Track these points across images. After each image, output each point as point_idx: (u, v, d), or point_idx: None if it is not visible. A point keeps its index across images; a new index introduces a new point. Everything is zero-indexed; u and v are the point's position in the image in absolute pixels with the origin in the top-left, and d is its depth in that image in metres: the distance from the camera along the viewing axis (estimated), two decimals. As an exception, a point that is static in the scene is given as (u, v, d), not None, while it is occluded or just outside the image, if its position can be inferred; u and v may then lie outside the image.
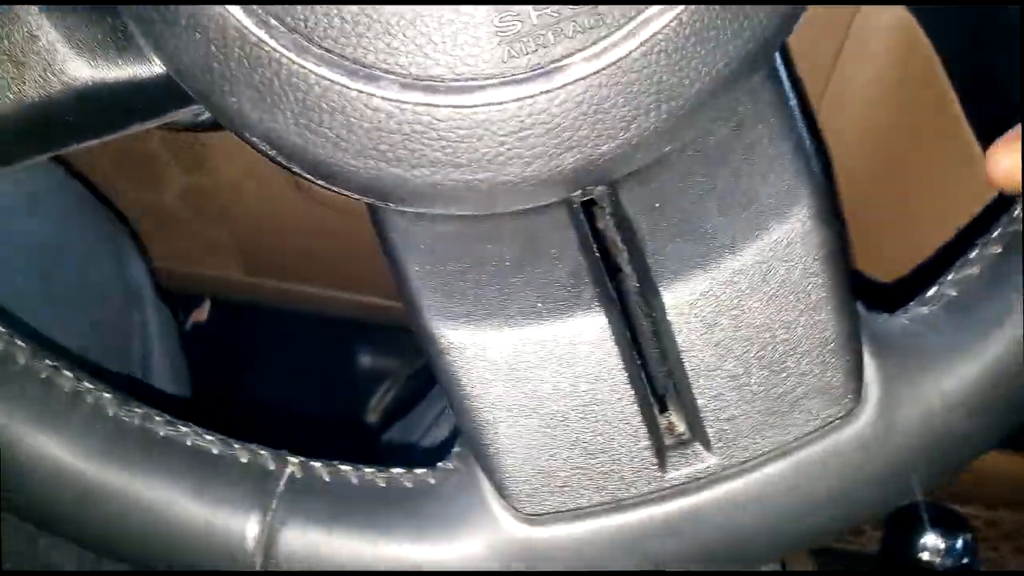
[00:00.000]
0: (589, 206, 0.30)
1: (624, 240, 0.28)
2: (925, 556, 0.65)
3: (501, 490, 0.29)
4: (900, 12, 0.49)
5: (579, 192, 0.28)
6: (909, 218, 0.53)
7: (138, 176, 0.62)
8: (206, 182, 0.64)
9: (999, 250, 0.29)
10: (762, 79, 0.28)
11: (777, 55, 0.29)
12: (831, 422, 0.28)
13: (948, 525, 0.66)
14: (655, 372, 0.29)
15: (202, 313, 0.82)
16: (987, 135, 0.49)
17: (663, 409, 0.30)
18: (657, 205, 0.28)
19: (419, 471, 0.31)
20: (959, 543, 0.65)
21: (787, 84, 0.29)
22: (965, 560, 0.65)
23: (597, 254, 0.28)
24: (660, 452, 0.28)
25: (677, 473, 0.29)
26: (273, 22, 0.24)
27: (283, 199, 0.60)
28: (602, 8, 0.24)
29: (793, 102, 0.28)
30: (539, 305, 0.28)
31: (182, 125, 0.33)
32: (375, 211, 0.29)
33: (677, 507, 0.28)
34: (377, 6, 0.24)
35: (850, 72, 0.51)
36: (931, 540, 0.65)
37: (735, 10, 0.25)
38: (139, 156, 0.61)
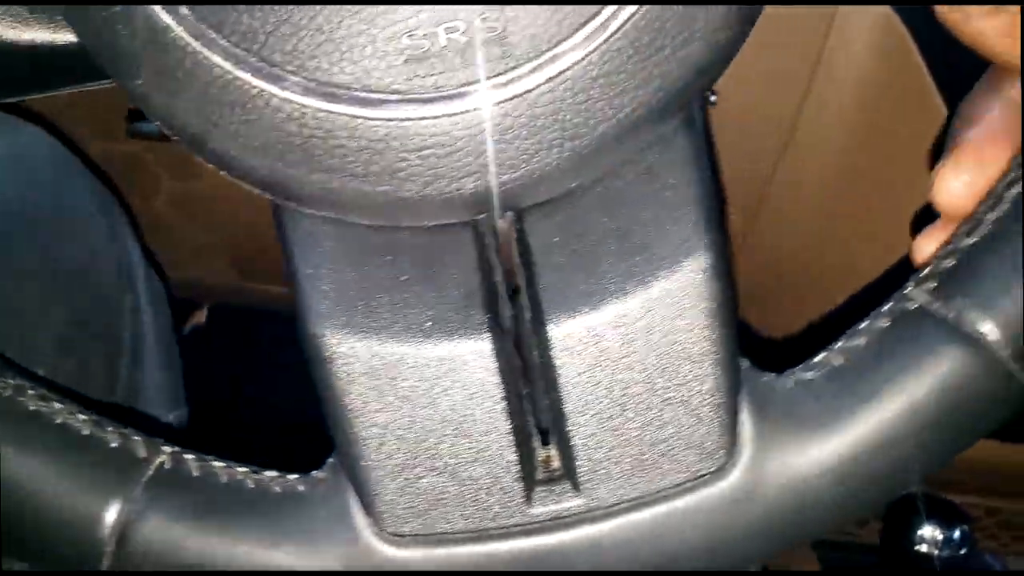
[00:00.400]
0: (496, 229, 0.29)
1: (523, 269, 0.28)
2: (923, 548, 0.65)
3: (367, 506, 0.29)
4: (883, 11, 0.49)
5: (483, 215, 0.28)
6: (892, 217, 0.53)
7: (127, 184, 0.62)
8: (196, 187, 0.64)
9: (887, 324, 0.28)
10: (676, 129, 0.28)
11: (695, 105, 0.29)
12: (701, 476, 0.28)
13: (945, 516, 0.66)
14: (541, 404, 0.29)
15: (200, 317, 0.83)
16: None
17: (546, 442, 0.29)
18: (557, 239, 0.28)
19: (292, 477, 0.30)
20: (956, 534, 0.65)
21: (700, 137, 0.29)
22: (963, 551, 0.65)
23: (499, 279, 0.28)
24: (529, 486, 0.28)
25: (543, 509, 0.28)
26: (183, 11, 0.24)
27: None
28: (512, 40, 0.24)
29: (704, 156, 0.28)
30: (428, 324, 0.27)
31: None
32: (276, 205, 0.29)
33: (539, 543, 0.28)
34: (289, 7, 0.24)
35: (833, 71, 0.51)
36: (928, 531, 0.65)
37: (645, 58, 0.25)
38: (127, 163, 0.61)
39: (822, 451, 0.27)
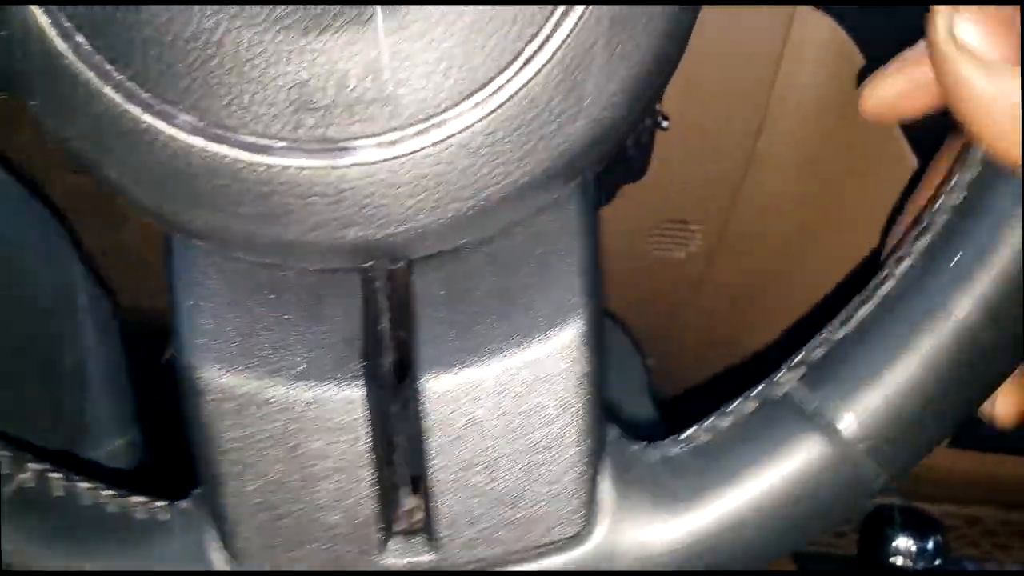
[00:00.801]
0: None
1: (405, 320, 0.29)
2: (899, 560, 0.66)
3: (224, 540, 0.29)
4: (833, 28, 0.49)
5: (371, 263, 0.28)
6: (851, 228, 0.53)
7: (94, 217, 0.62)
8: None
9: (754, 407, 0.29)
10: (569, 195, 0.28)
11: (588, 173, 0.29)
12: (557, 542, 0.28)
13: (919, 527, 0.66)
14: (411, 456, 0.29)
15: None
16: (919, 144, 0.50)
17: (416, 491, 0.30)
18: (442, 293, 0.28)
19: (157, 504, 0.30)
20: (930, 544, 0.65)
21: (590, 205, 0.29)
22: (937, 561, 0.65)
23: (384, 326, 0.29)
24: (386, 536, 0.28)
25: (396, 560, 0.28)
26: (79, 38, 0.24)
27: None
28: (403, 102, 0.25)
29: (591, 224, 0.29)
30: (303, 368, 0.27)
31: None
32: (166, 234, 0.29)
33: None
34: (186, 48, 0.24)
35: (788, 91, 0.52)
36: (903, 543, 0.66)
37: (531, 131, 0.26)
38: (93, 196, 0.61)
39: (673, 529, 0.28)
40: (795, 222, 0.58)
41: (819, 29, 0.50)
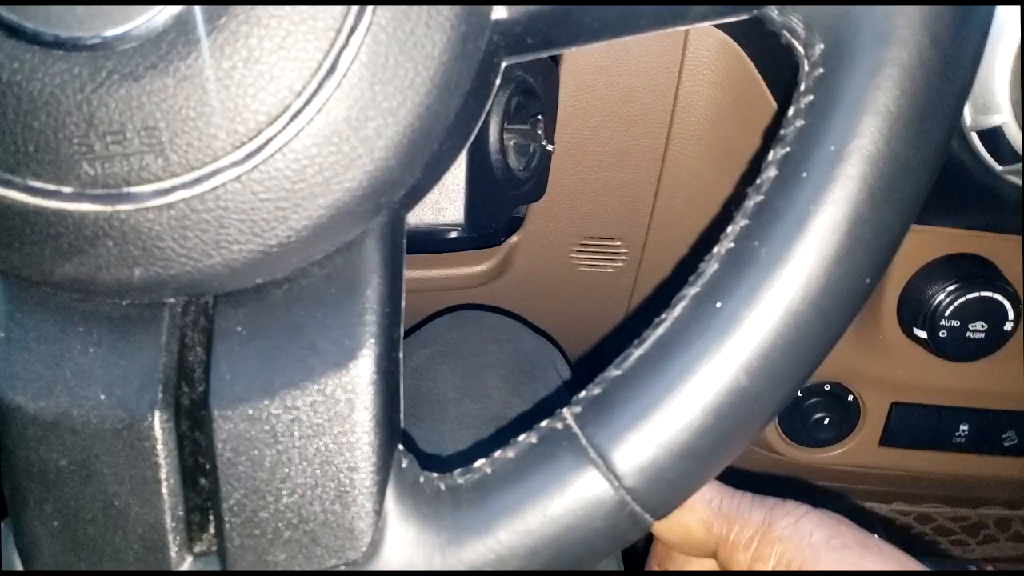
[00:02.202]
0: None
1: (204, 354, 0.30)
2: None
3: (25, 562, 0.30)
4: (726, 41, 0.50)
5: (176, 299, 0.30)
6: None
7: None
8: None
9: (535, 440, 0.30)
10: (364, 236, 0.30)
11: (387, 216, 0.30)
12: (339, 566, 0.29)
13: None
14: (207, 482, 0.30)
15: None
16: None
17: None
18: (239, 329, 0.29)
19: None
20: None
21: (389, 246, 0.30)
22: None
23: (194, 358, 0.30)
24: (180, 557, 0.29)
25: None
26: None
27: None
28: (177, 153, 0.26)
29: (387, 265, 0.30)
30: (103, 397, 0.29)
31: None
32: None
33: None
34: None
35: (690, 104, 0.53)
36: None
37: (304, 180, 0.27)
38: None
39: (443, 559, 0.29)
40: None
41: (712, 42, 0.51)
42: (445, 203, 0.43)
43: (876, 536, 0.36)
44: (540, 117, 0.45)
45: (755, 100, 0.51)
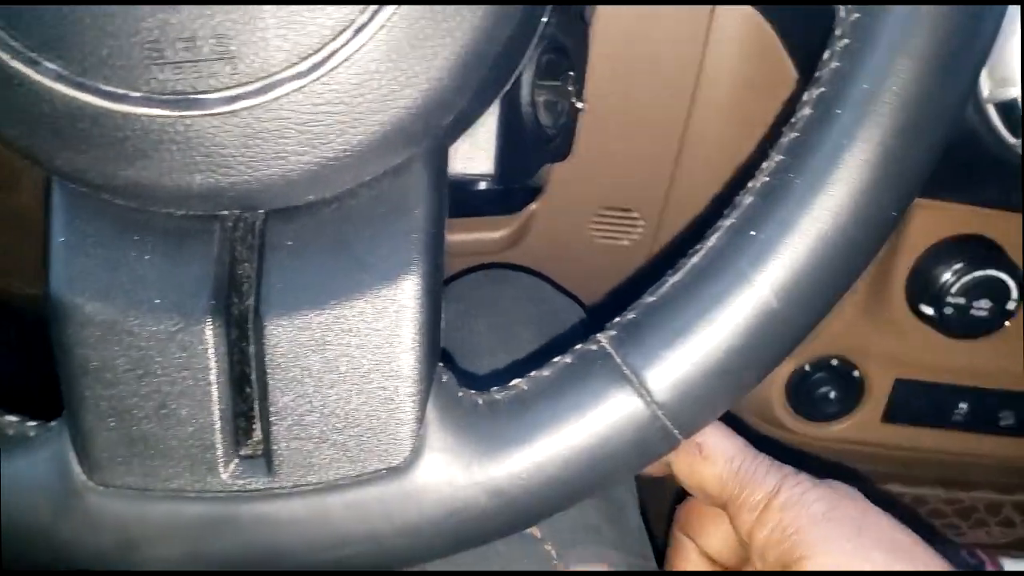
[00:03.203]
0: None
1: (256, 265, 0.31)
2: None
3: (80, 455, 0.31)
4: (751, 13, 0.52)
5: (232, 211, 0.31)
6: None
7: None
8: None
9: (570, 360, 0.31)
10: (413, 160, 0.31)
11: (436, 142, 0.32)
12: (381, 471, 0.31)
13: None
14: (255, 389, 0.31)
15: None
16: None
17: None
18: (290, 243, 0.31)
19: (31, 423, 0.33)
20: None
21: (435, 172, 0.32)
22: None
23: (244, 271, 0.31)
24: (228, 459, 0.31)
25: (233, 481, 0.31)
26: None
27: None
28: (245, 62, 0.28)
29: (434, 190, 0.32)
30: (157, 302, 0.30)
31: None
32: (47, 176, 0.32)
33: (225, 511, 0.31)
34: (51, 3, 0.27)
35: (714, 74, 0.54)
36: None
37: (362, 95, 0.29)
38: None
39: (481, 466, 0.30)
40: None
41: (739, 15, 0.52)
42: (476, 153, 0.44)
43: (881, 513, 0.37)
44: (572, 74, 0.47)
45: (779, 75, 0.52)
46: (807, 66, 0.51)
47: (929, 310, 0.58)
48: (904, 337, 0.62)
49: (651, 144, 0.58)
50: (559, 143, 0.50)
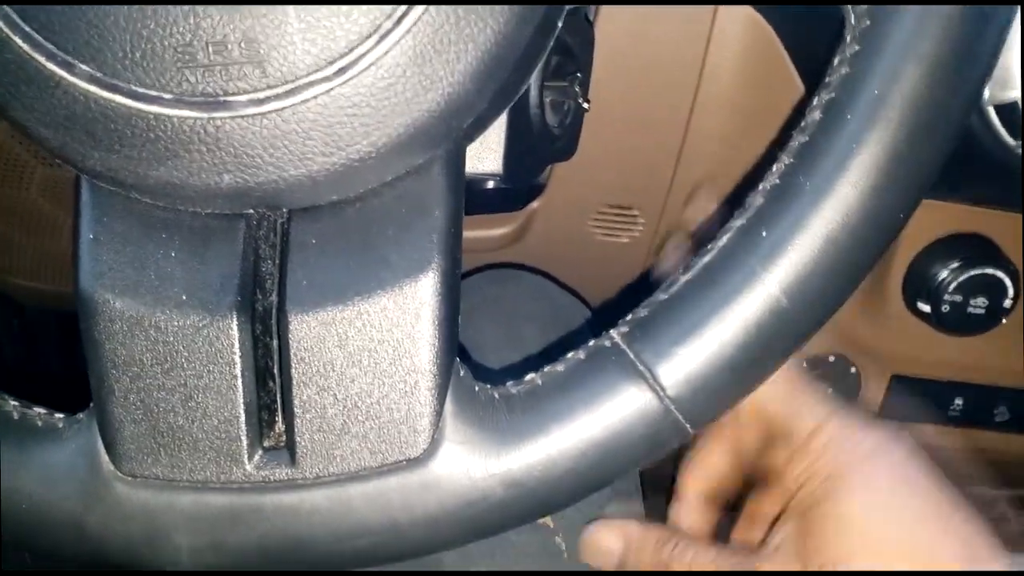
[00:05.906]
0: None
1: (280, 262, 0.32)
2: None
3: (107, 446, 0.32)
4: (751, 14, 0.52)
5: (256, 210, 0.32)
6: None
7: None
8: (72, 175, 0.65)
9: (583, 356, 0.32)
10: (433, 161, 0.32)
11: (454, 145, 0.32)
12: (400, 462, 0.31)
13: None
14: (278, 383, 0.32)
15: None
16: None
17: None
18: (314, 242, 0.32)
19: (58, 415, 0.33)
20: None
21: (455, 174, 0.33)
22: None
23: (267, 269, 0.32)
24: (251, 451, 0.31)
25: (257, 472, 0.31)
26: None
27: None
28: (273, 66, 0.29)
29: (452, 192, 0.32)
30: (183, 298, 0.31)
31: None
32: (77, 175, 0.33)
33: (249, 502, 0.31)
34: (85, 6, 0.28)
35: (715, 73, 0.55)
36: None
37: (386, 97, 0.30)
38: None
39: (497, 457, 0.31)
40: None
41: (741, 16, 0.53)
42: (486, 153, 0.45)
43: (920, 469, 0.37)
44: (579, 75, 0.47)
45: (780, 77, 0.53)
46: (807, 67, 0.52)
47: (926, 307, 0.59)
48: (901, 334, 0.63)
49: (652, 143, 0.59)
50: (565, 143, 0.50)
